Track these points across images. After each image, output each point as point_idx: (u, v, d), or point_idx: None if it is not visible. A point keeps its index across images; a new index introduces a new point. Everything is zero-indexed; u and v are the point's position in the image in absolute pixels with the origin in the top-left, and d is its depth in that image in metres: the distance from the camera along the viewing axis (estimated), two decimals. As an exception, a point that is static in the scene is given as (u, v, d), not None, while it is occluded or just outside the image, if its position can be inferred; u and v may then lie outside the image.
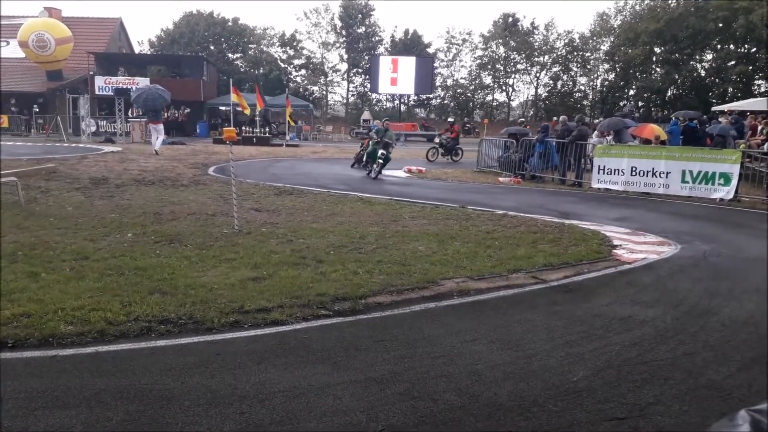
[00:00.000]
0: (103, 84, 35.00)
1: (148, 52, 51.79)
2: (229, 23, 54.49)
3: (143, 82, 34.81)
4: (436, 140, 24.14)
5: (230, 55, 55.66)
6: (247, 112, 28.74)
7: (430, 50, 53.44)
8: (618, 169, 14.17)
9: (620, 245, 8.18)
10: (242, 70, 53.96)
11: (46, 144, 26.08)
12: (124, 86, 32.88)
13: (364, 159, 17.23)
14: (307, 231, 8.38)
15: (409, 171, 18.05)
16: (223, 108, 35.91)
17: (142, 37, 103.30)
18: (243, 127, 30.21)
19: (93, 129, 30.57)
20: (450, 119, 29.16)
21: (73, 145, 26.00)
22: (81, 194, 11.22)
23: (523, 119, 35.84)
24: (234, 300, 5.22)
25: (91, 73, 36.44)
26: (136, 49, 50.67)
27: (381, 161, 15.91)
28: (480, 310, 5.42)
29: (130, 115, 31.67)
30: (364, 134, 22.77)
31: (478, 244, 7.81)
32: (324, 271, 6.29)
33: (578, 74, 53.07)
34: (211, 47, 53.84)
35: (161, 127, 23.01)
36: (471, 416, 3.46)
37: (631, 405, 3.61)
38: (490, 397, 3.68)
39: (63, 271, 5.95)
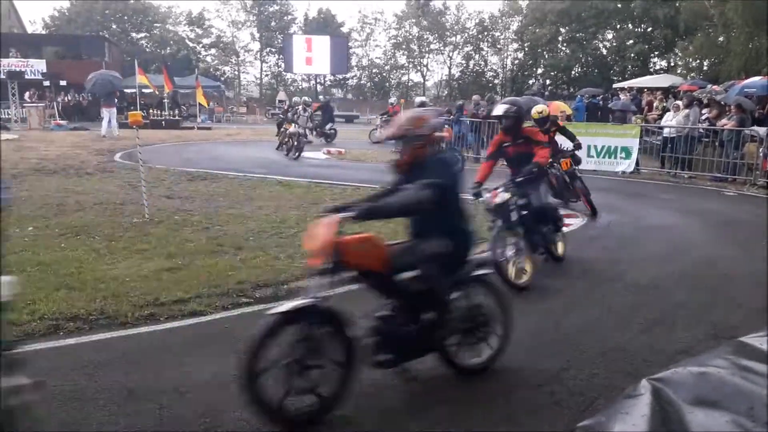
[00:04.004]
0: (-6, 66, 32.28)
1: (43, 32, 48.15)
2: (131, 1, 51.48)
3: (38, 64, 32.37)
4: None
5: (134, 34, 52.60)
6: (155, 91, 27.47)
7: (344, 29, 52.93)
8: (530, 146, 14.69)
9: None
10: (148, 50, 51.11)
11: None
12: (18, 68, 30.42)
13: None
14: (223, 217, 8.15)
15: (329, 153, 17.93)
16: (128, 91, 34.07)
17: (35, 17, 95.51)
18: (150, 110, 28.77)
19: (-19, 115, 28.22)
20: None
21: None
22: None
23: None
24: (148, 292, 5.01)
25: (-20, 55, 33.45)
26: (29, 29, 47.02)
27: None
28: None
29: (28, 100, 29.44)
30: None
31: (399, 222, 7.87)
32: (243, 258, 6.16)
33: (489, 54, 54.31)
34: (113, 26, 50.70)
35: (114, 111, 22.99)
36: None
37: (547, 372, 3.79)
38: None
39: (-46, 271, 5.49)
